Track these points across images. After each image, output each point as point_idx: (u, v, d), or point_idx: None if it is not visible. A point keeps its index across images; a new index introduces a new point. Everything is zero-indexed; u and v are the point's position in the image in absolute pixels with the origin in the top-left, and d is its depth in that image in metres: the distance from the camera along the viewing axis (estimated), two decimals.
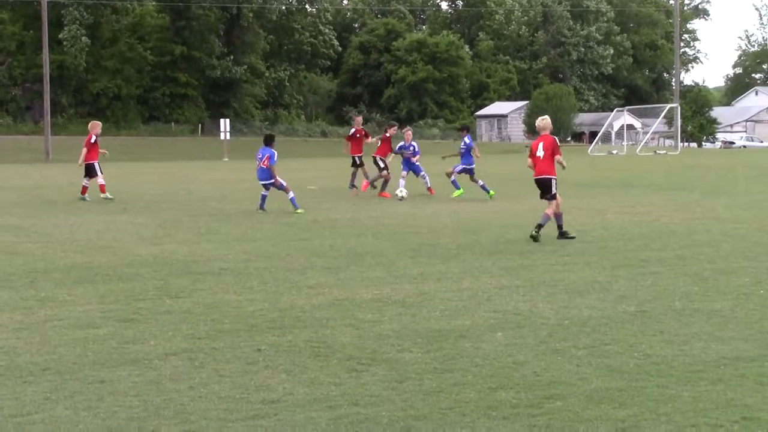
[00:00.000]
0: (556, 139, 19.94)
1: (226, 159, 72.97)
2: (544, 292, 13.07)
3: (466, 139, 30.58)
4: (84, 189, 30.27)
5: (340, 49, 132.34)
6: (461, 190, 30.87)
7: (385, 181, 31.60)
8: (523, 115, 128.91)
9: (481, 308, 11.91)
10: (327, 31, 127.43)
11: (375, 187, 31.94)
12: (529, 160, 19.91)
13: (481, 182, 30.66)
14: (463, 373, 8.82)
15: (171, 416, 7.63)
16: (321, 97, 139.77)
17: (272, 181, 25.76)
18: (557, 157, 19.66)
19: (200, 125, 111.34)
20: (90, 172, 30.24)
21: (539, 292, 13.07)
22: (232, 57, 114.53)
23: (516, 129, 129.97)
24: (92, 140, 30.35)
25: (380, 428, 7.26)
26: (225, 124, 75.29)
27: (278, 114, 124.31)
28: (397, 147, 31.37)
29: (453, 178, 30.93)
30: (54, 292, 13.23)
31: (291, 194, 25.91)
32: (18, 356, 9.56)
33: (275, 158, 25.91)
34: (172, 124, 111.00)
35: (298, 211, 25.28)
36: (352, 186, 33.84)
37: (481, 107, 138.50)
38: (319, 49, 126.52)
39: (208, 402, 8.01)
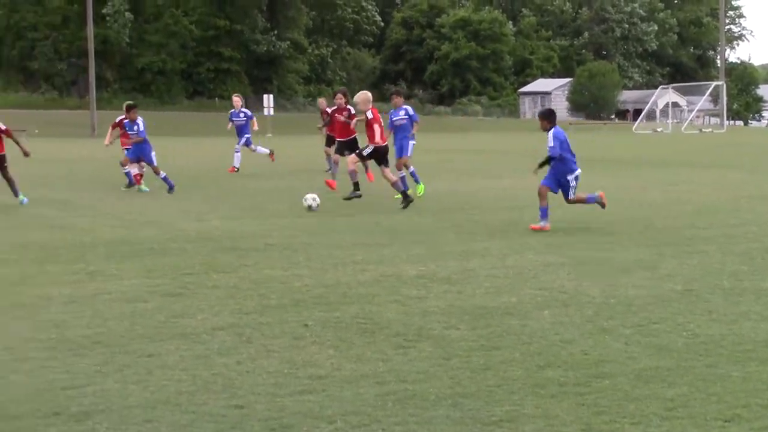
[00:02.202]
0: None
1: (270, 135, 73.09)
2: (590, 270, 13.00)
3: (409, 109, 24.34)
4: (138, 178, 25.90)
5: (382, 24, 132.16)
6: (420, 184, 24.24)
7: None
8: (566, 92, 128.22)
9: (527, 286, 11.88)
10: (369, 6, 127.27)
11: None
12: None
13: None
14: (510, 350, 8.80)
15: (219, 390, 7.66)
16: (364, 74, 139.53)
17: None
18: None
19: (244, 101, 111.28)
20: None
21: (585, 270, 13.01)
22: (275, 32, 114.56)
23: (559, 106, 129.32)
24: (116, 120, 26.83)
25: (428, 405, 7.26)
26: (269, 99, 75.45)
27: (321, 90, 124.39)
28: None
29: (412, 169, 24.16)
30: (102, 266, 13.34)
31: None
32: (68, 329, 9.65)
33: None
34: (216, 99, 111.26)
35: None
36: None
37: (523, 84, 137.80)
38: (362, 25, 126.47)
39: (257, 377, 8.04)
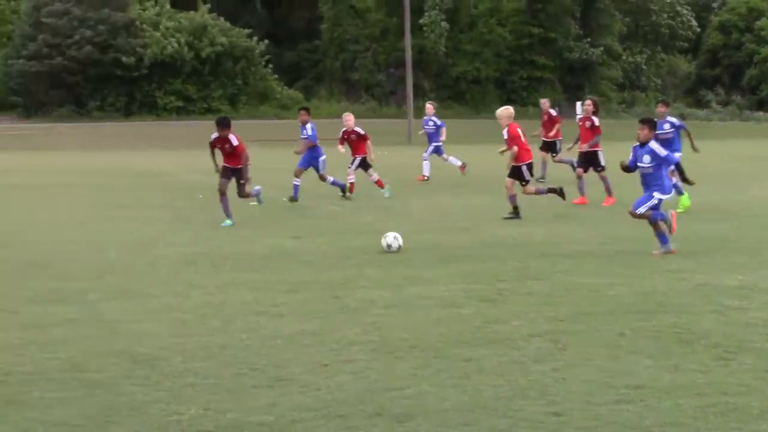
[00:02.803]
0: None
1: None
2: None
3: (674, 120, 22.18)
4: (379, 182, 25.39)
5: (698, 29, 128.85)
6: (684, 194, 21.40)
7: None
8: None
9: None
10: (685, 11, 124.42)
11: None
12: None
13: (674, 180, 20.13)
14: None
15: (536, 397, 7.71)
16: (679, 80, 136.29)
17: None
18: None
19: (557, 108, 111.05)
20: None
21: None
22: (588, 39, 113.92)
23: None
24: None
25: (750, 419, 7.07)
26: (579, 107, 74.89)
27: (635, 97, 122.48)
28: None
29: (675, 180, 20.05)
30: (419, 271, 13.66)
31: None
32: (389, 332, 9.95)
33: None
34: (529, 107, 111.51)
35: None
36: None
37: None
38: (677, 31, 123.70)
39: (572, 384, 8.04)
